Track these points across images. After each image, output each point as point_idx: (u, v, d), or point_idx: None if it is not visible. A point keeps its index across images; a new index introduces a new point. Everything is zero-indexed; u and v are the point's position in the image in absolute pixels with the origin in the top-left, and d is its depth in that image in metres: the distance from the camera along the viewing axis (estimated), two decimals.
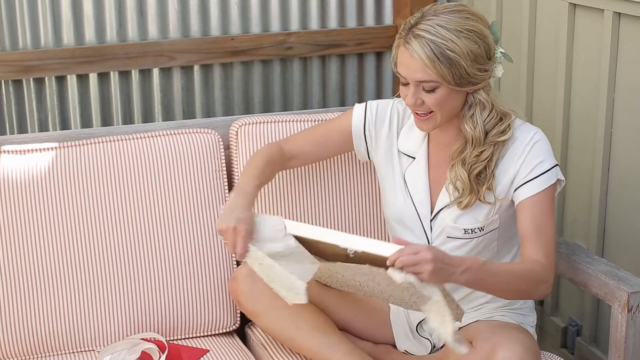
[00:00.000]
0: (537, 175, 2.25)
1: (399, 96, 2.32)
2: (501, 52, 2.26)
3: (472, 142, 2.26)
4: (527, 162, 2.25)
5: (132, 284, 2.52)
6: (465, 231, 2.31)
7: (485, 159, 2.26)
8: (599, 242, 2.82)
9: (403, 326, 2.49)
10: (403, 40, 2.20)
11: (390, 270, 2.01)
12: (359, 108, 2.49)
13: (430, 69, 2.15)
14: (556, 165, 2.28)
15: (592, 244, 2.84)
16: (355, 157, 2.63)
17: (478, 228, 2.30)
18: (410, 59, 2.17)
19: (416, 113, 2.26)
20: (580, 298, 2.97)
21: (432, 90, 2.19)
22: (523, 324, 2.38)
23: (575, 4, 2.81)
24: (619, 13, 2.63)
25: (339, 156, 2.64)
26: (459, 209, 2.30)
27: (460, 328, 2.36)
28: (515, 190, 2.27)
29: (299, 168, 2.62)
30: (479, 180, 2.27)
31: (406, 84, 2.23)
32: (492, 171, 2.27)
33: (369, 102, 2.50)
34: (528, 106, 3.09)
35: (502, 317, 2.36)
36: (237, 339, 2.63)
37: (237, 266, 2.58)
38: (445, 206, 2.33)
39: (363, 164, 2.66)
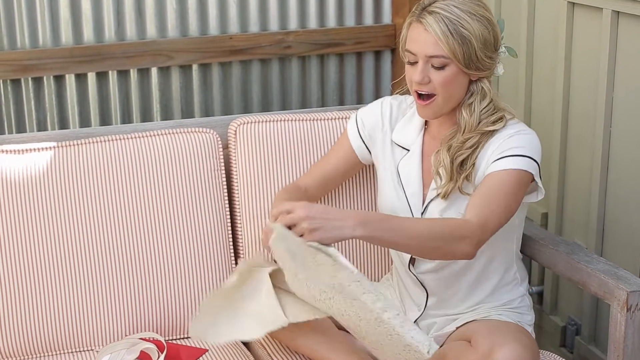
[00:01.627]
0: (510, 155, 2.22)
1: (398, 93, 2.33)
2: (506, 47, 2.30)
3: (464, 129, 2.28)
4: (504, 144, 2.24)
5: (131, 284, 2.52)
6: None
7: (471, 147, 2.27)
8: (598, 241, 2.82)
9: None
10: (416, 17, 2.24)
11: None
12: (350, 123, 2.53)
13: (443, 43, 2.18)
14: (536, 161, 2.25)
15: (591, 243, 2.84)
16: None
17: None
18: (424, 33, 2.21)
19: (419, 97, 2.27)
20: (579, 297, 2.97)
21: (441, 68, 2.22)
22: (521, 322, 2.37)
23: (574, 3, 2.81)
24: (618, 12, 2.63)
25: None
26: (440, 198, 2.30)
27: (457, 328, 2.36)
28: (487, 170, 2.25)
29: (299, 165, 2.62)
30: (460, 170, 2.27)
31: (414, 63, 2.25)
32: (474, 162, 2.27)
33: (356, 112, 2.53)
34: (527, 105, 3.09)
35: (499, 316, 2.36)
36: None
37: (236, 265, 2.58)
38: (435, 197, 2.33)
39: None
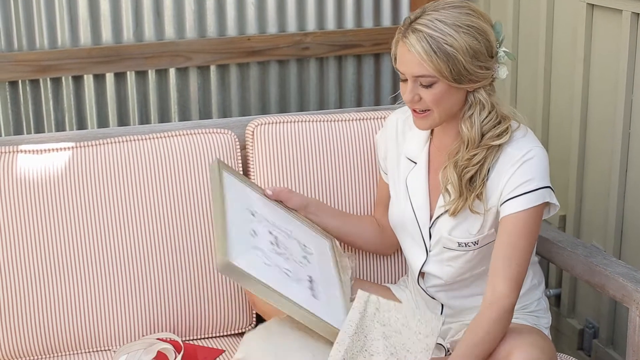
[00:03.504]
0: (522, 193, 2.18)
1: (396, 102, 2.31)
2: (504, 52, 2.22)
3: (467, 144, 2.22)
4: (514, 178, 2.19)
5: (149, 284, 2.53)
6: (459, 244, 2.28)
7: (477, 162, 2.21)
8: (617, 244, 2.81)
9: None
10: (402, 35, 2.19)
11: None
12: (378, 155, 2.55)
13: (427, 63, 2.13)
14: (548, 187, 2.20)
15: (609, 246, 2.82)
16: (358, 166, 2.65)
17: (472, 242, 2.27)
18: (408, 54, 2.16)
19: (414, 110, 2.24)
20: (597, 300, 2.96)
21: (429, 86, 2.16)
22: (537, 325, 2.36)
23: (593, 4, 2.79)
24: (638, 14, 2.61)
25: (344, 165, 2.65)
26: (449, 215, 2.27)
27: None
28: (500, 206, 2.22)
29: (316, 166, 2.62)
30: (470, 187, 2.23)
31: (405, 80, 2.21)
32: (483, 179, 2.22)
33: (376, 137, 2.57)
34: (545, 108, 3.08)
35: (516, 319, 2.33)
36: None
37: None
38: (443, 213, 2.30)
39: (368, 168, 2.66)
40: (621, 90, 2.69)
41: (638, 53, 2.64)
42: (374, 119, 2.71)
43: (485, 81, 2.20)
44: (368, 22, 3.52)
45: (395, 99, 2.46)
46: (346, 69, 3.53)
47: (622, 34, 2.67)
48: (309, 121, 2.68)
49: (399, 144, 2.44)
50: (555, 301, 3.16)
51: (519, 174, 2.19)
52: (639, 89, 2.66)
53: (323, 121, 2.69)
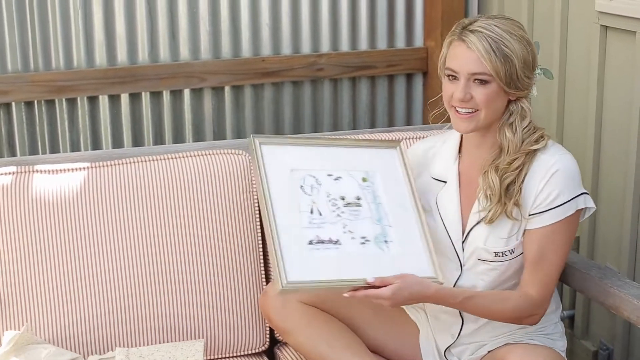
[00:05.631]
0: (551, 208, 2.24)
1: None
2: (541, 69, 2.31)
3: (508, 149, 2.27)
4: (544, 192, 2.25)
5: (162, 304, 2.53)
6: (496, 254, 2.30)
7: (517, 168, 2.26)
8: (631, 265, 2.80)
9: (432, 350, 2.47)
10: (457, 36, 2.25)
11: None
12: None
13: (486, 61, 2.20)
14: (579, 195, 2.26)
15: (623, 267, 2.82)
16: None
17: (509, 251, 2.29)
18: (467, 51, 2.22)
19: (457, 112, 2.27)
20: (611, 321, 2.95)
21: (484, 84, 2.22)
22: (553, 348, 2.36)
23: (607, 26, 2.80)
24: None
25: None
26: (485, 223, 2.30)
27: (489, 352, 2.35)
28: (529, 217, 2.27)
29: None
30: (507, 192, 2.27)
31: (455, 80, 2.26)
32: (520, 185, 2.27)
33: None
34: (559, 127, 3.08)
35: (531, 341, 2.35)
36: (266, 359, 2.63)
37: (266, 285, 2.59)
38: (476, 224, 2.33)
39: None
40: (635, 111, 2.70)
41: None
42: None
43: (527, 92, 2.28)
44: (382, 44, 3.53)
45: (431, 107, 2.48)
46: (360, 90, 3.54)
47: (636, 56, 2.68)
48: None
49: (427, 168, 2.45)
50: (569, 323, 3.15)
51: (548, 188, 2.25)
52: None
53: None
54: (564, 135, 3.08)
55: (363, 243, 2.27)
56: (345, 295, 2.17)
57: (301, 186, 2.31)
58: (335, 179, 2.34)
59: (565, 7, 3.00)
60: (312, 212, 2.28)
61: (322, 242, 2.25)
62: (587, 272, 2.44)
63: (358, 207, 2.32)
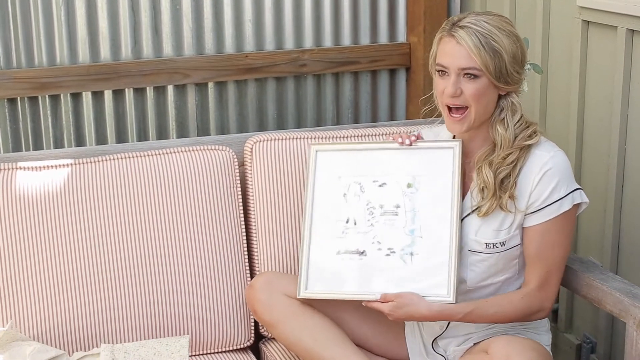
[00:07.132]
0: (548, 204, 2.28)
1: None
2: (531, 64, 2.34)
3: (501, 145, 2.30)
4: (539, 189, 2.28)
5: (147, 300, 2.53)
6: (487, 245, 2.31)
7: (511, 162, 2.29)
8: (613, 259, 2.82)
9: (417, 343, 2.49)
10: (447, 32, 2.28)
11: None
12: None
13: (476, 55, 2.23)
14: (573, 190, 2.30)
15: (606, 261, 2.83)
16: None
17: (499, 243, 2.31)
18: (457, 47, 2.25)
19: (450, 113, 2.30)
20: (594, 315, 2.96)
21: (473, 79, 2.25)
22: (538, 342, 2.37)
23: (588, 21, 2.81)
24: (632, 30, 2.63)
25: None
26: (478, 216, 2.31)
27: (475, 344, 2.37)
28: (525, 216, 2.30)
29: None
30: (502, 187, 2.29)
31: (445, 76, 2.28)
32: (515, 179, 2.29)
33: None
34: (541, 122, 3.09)
35: (516, 334, 2.37)
36: (252, 355, 2.63)
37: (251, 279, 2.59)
38: (466, 215, 2.34)
39: None
40: (617, 106, 2.71)
41: (633, 69, 2.66)
42: (371, 135, 2.73)
43: (517, 87, 2.31)
44: (365, 39, 3.53)
45: (423, 104, 2.50)
46: (343, 86, 3.54)
47: (617, 50, 2.69)
48: (306, 138, 2.70)
49: None
50: (553, 316, 3.16)
51: (543, 185, 2.29)
52: (635, 105, 2.67)
53: (320, 138, 2.71)
54: (547, 130, 3.09)
55: (388, 255, 2.36)
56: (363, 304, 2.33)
57: (344, 194, 2.43)
58: (380, 185, 2.42)
59: (547, 3, 3.01)
60: (347, 221, 2.41)
61: (348, 252, 2.38)
62: (570, 265, 2.46)
63: (395, 215, 2.39)
